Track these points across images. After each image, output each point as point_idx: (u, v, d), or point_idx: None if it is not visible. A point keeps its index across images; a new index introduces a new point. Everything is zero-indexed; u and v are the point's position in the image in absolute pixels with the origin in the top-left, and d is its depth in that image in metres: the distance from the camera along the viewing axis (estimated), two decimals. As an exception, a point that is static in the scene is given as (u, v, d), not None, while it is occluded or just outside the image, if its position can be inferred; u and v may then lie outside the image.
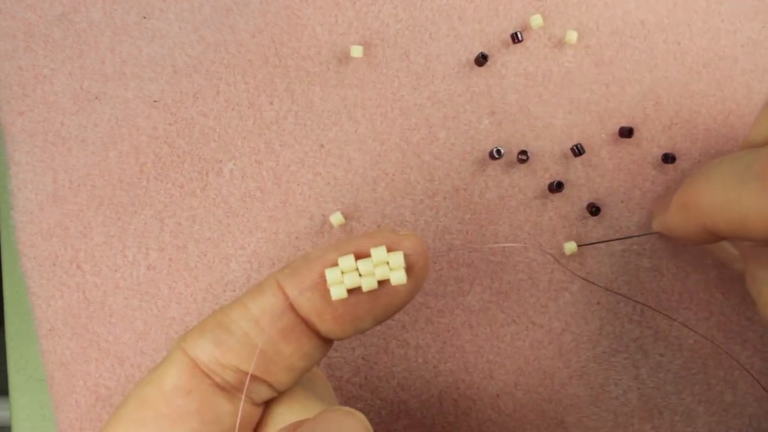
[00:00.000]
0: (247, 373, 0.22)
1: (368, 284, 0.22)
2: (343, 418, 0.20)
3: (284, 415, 0.24)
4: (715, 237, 0.25)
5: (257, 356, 0.22)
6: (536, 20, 0.34)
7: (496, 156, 0.32)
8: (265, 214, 0.33)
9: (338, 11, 0.35)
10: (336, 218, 0.32)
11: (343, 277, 0.22)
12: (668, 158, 0.33)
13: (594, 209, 0.32)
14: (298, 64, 0.34)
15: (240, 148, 0.33)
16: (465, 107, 0.34)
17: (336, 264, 0.22)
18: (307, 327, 0.23)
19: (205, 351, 0.22)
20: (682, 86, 0.34)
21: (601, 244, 0.33)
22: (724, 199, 0.23)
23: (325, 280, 0.22)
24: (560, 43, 0.34)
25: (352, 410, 0.21)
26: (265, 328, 0.22)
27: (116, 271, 0.33)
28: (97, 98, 0.34)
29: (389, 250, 0.22)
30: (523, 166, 0.33)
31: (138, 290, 0.33)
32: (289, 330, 0.22)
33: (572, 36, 0.34)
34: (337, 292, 0.22)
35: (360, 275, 0.22)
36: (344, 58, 0.34)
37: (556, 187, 0.32)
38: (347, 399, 0.32)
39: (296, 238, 0.33)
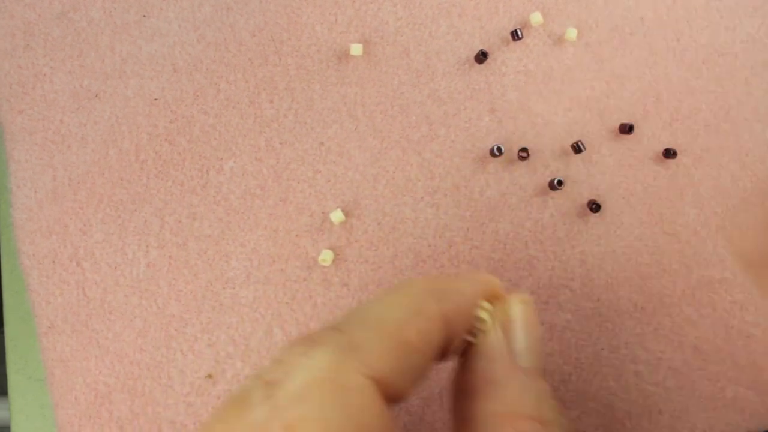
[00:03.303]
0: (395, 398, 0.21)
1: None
2: (524, 305, 0.23)
3: None
4: None
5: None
6: (536, 18, 0.34)
7: (497, 153, 0.32)
8: (266, 211, 0.33)
9: (338, 9, 0.35)
10: (336, 215, 0.32)
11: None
12: (669, 153, 0.33)
13: (595, 206, 0.32)
14: (298, 62, 0.34)
15: (240, 145, 0.33)
16: (465, 104, 0.34)
17: (482, 307, 0.23)
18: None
19: (390, 374, 0.20)
20: (682, 82, 0.34)
21: (602, 244, 0.33)
22: None
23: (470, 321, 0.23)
24: (560, 41, 0.34)
25: (525, 297, 0.24)
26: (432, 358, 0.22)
27: (116, 268, 0.33)
28: (97, 96, 0.34)
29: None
30: (523, 163, 0.33)
31: (138, 287, 0.32)
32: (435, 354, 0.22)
33: (572, 33, 0.34)
34: (479, 337, 0.23)
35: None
36: (344, 56, 0.34)
37: (557, 184, 0.32)
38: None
39: (296, 235, 0.33)
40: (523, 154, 0.33)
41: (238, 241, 0.33)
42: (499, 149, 0.32)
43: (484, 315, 0.23)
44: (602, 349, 0.32)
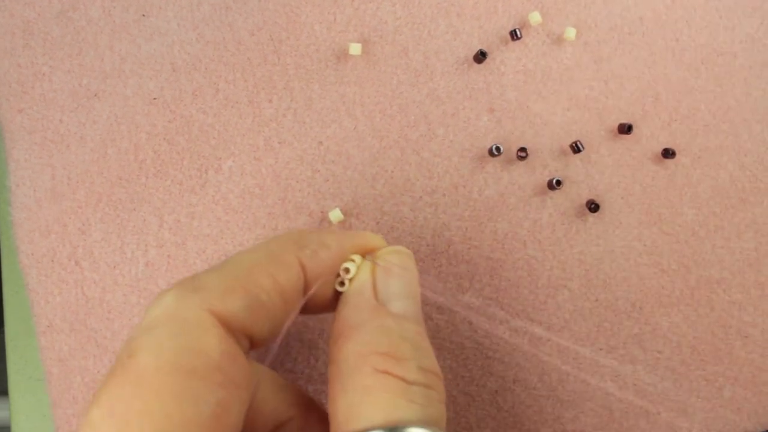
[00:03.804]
0: (252, 338, 0.22)
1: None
2: (398, 254, 0.24)
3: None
4: None
5: (282, 335, 0.23)
6: (535, 17, 0.34)
7: (496, 153, 0.32)
8: (264, 210, 0.33)
9: (336, 9, 0.35)
10: (335, 215, 0.32)
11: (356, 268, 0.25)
12: (668, 153, 0.33)
13: (593, 206, 0.32)
14: (297, 61, 0.34)
15: (239, 145, 0.33)
16: (464, 104, 0.34)
17: (351, 259, 0.25)
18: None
19: (235, 315, 0.21)
20: (680, 82, 0.34)
21: (600, 244, 0.33)
22: None
23: (336, 271, 0.24)
24: (559, 40, 0.34)
25: (401, 248, 0.25)
26: (291, 303, 0.23)
27: (115, 267, 0.33)
28: (96, 95, 0.34)
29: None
30: (522, 163, 0.33)
31: (136, 287, 0.32)
32: (294, 300, 0.23)
33: (571, 33, 0.34)
34: (348, 286, 0.24)
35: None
36: (343, 55, 0.34)
37: (556, 184, 0.32)
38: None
39: (295, 234, 0.33)
40: (522, 153, 0.33)
41: (237, 241, 0.33)
42: (497, 149, 0.32)
43: (350, 265, 0.24)
44: (600, 348, 0.32)
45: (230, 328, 0.21)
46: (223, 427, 0.19)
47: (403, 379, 0.21)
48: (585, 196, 0.33)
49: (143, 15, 0.35)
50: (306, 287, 0.24)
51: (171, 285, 0.22)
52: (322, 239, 0.24)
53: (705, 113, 0.33)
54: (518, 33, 0.34)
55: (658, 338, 0.32)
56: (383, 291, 0.24)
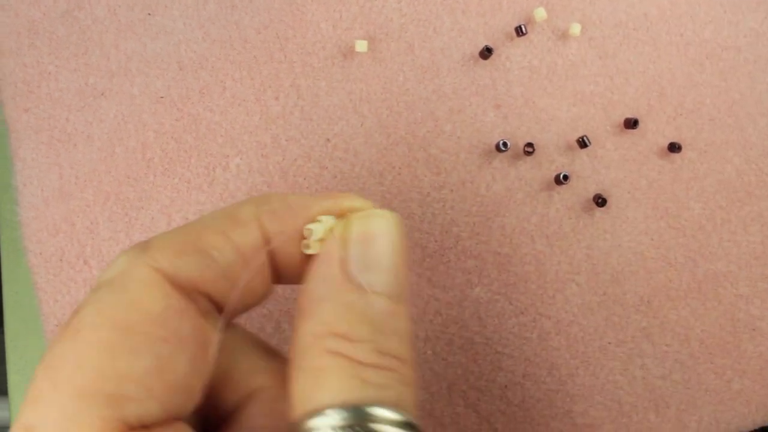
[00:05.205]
0: (211, 300, 0.21)
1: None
2: (377, 218, 0.21)
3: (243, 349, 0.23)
4: None
5: (238, 290, 0.21)
6: (540, 13, 0.34)
7: (503, 148, 0.32)
8: (272, 208, 0.33)
9: (342, 6, 0.35)
10: (343, 212, 0.32)
11: (322, 234, 0.21)
12: (674, 147, 0.33)
13: (600, 200, 0.32)
14: (304, 59, 0.34)
15: (246, 143, 0.34)
16: (470, 100, 0.34)
17: (316, 220, 0.22)
18: (272, 269, 0.22)
19: (184, 273, 0.20)
20: (685, 77, 0.34)
21: (608, 238, 0.33)
22: None
23: (301, 232, 0.22)
24: (564, 36, 0.34)
25: (384, 211, 0.22)
26: (247, 261, 0.21)
27: (124, 266, 0.33)
28: (102, 94, 0.34)
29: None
30: (529, 158, 0.33)
31: (146, 285, 0.32)
32: (262, 268, 0.22)
33: (576, 29, 0.34)
34: (314, 249, 0.21)
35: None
36: (349, 52, 0.34)
37: (563, 179, 0.32)
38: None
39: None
40: (529, 149, 0.33)
41: (245, 238, 0.33)
42: (504, 144, 0.32)
43: (313, 225, 0.22)
44: (609, 342, 0.32)
45: (179, 285, 0.20)
46: (165, 383, 0.19)
47: (358, 361, 0.19)
48: (592, 191, 0.33)
49: (149, 14, 0.35)
50: (265, 243, 0.22)
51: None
52: (285, 199, 0.22)
53: (710, 107, 0.34)
54: (523, 29, 0.34)
55: (666, 332, 0.32)
56: (357, 261, 0.21)
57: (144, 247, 0.20)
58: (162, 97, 0.34)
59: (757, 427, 0.32)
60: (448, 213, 0.33)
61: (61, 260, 0.33)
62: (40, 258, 0.33)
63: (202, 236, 0.21)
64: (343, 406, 0.18)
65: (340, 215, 0.22)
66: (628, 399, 0.32)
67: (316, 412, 0.18)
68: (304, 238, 0.22)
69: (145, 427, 0.18)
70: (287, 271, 0.23)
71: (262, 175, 0.33)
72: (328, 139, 0.34)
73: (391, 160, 0.33)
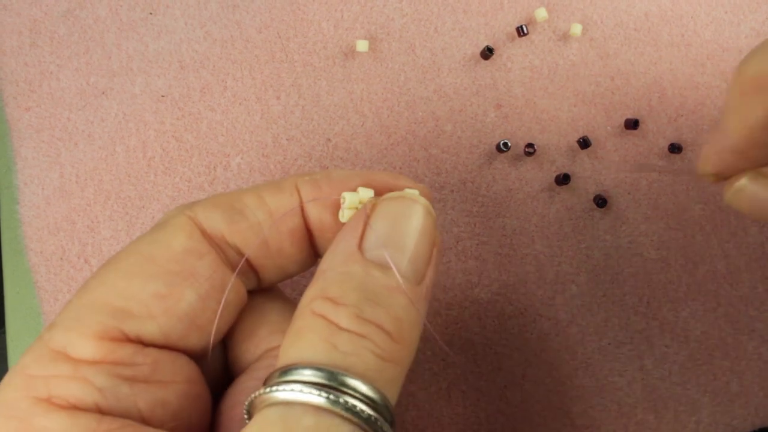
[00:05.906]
0: (244, 258, 0.23)
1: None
2: (409, 201, 0.22)
3: (270, 307, 0.25)
4: None
5: (261, 244, 0.23)
6: (541, 13, 0.34)
7: (503, 149, 0.33)
8: (273, 207, 0.33)
9: (344, 6, 0.35)
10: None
11: (359, 204, 0.22)
12: (675, 148, 0.33)
13: (601, 201, 0.33)
14: (305, 59, 0.34)
15: (247, 142, 0.34)
16: (471, 100, 0.34)
17: (355, 190, 0.23)
18: (310, 237, 0.24)
19: (215, 224, 0.23)
20: (686, 78, 0.34)
21: (608, 239, 0.33)
22: None
23: (338, 200, 0.23)
24: (565, 36, 0.34)
25: (415, 197, 0.22)
26: (278, 221, 0.23)
27: (124, 265, 0.33)
28: (103, 93, 0.34)
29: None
30: (529, 158, 0.33)
31: (146, 284, 0.33)
32: (295, 232, 0.23)
33: (577, 29, 0.34)
34: (346, 217, 0.23)
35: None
36: (350, 52, 0.34)
37: (563, 179, 0.32)
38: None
39: (304, 231, 0.33)
40: (530, 149, 0.33)
41: (245, 238, 0.33)
42: (505, 145, 0.32)
43: (347, 194, 0.22)
44: (608, 343, 0.32)
45: (208, 234, 0.23)
46: (166, 309, 0.21)
47: (336, 324, 0.19)
48: (592, 192, 0.33)
49: (150, 13, 0.35)
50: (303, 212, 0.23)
51: None
52: (328, 172, 0.24)
53: (711, 108, 0.34)
54: (524, 29, 0.34)
55: (666, 333, 0.32)
56: (377, 236, 0.21)
57: (189, 204, 0.23)
58: (163, 96, 0.34)
59: (756, 429, 0.32)
60: (449, 213, 0.33)
61: (61, 259, 0.33)
62: (41, 257, 0.33)
63: (242, 197, 0.23)
64: (311, 366, 0.19)
65: (380, 192, 0.23)
66: (627, 400, 0.32)
67: (288, 367, 0.19)
68: (340, 209, 0.23)
69: (142, 343, 0.21)
70: (321, 238, 0.24)
71: (262, 174, 0.33)
72: (328, 139, 0.34)
73: (392, 160, 0.33)
